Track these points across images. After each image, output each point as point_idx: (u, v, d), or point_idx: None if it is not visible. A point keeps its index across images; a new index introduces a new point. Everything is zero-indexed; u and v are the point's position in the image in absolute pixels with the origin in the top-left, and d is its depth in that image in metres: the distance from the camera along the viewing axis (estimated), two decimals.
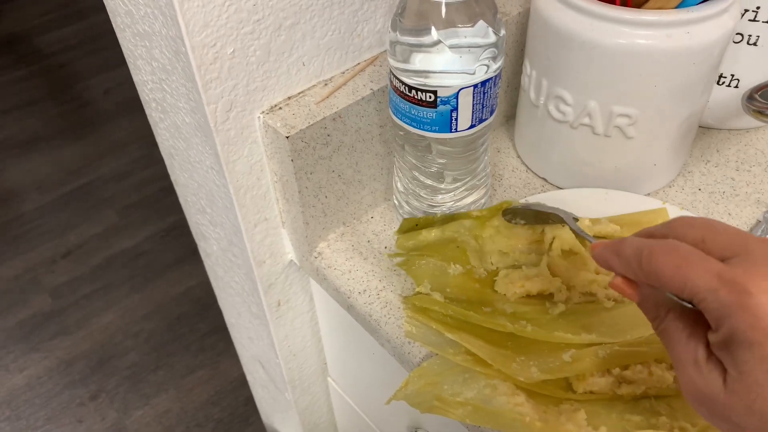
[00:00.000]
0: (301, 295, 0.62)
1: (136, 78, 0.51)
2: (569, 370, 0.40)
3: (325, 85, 0.48)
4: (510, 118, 0.63)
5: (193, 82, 0.41)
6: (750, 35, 0.54)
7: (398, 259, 0.46)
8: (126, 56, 0.50)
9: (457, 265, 0.46)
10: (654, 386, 0.40)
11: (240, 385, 1.39)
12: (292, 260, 0.57)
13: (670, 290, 0.29)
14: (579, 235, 0.42)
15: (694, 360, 0.29)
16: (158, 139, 0.56)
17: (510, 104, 0.62)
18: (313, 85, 0.48)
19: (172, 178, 0.59)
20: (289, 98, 0.47)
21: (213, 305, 1.44)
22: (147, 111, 0.54)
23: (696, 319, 0.30)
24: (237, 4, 0.39)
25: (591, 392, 0.40)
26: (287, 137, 0.44)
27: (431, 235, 0.46)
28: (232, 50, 0.41)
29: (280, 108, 0.46)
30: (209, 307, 1.54)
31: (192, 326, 1.52)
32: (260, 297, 0.58)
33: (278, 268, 0.57)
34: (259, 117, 0.45)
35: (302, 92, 0.47)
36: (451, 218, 0.47)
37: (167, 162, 0.58)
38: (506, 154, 0.61)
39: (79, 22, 2.51)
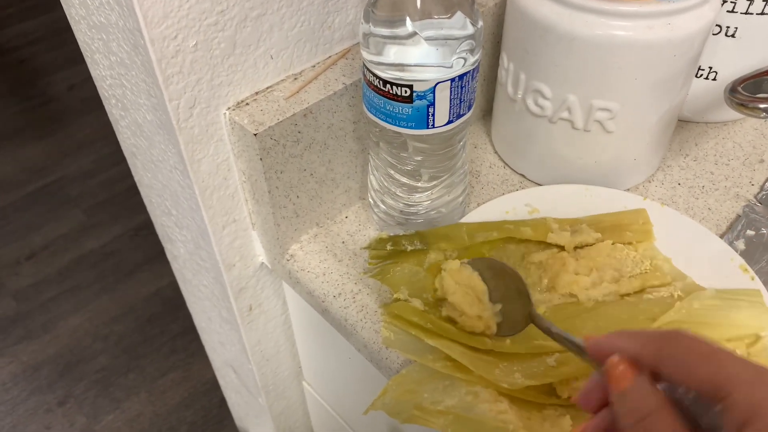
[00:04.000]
0: (273, 298, 0.60)
1: (94, 73, 0.48)
2: (554, 375, 0.38)
3: (295, 79, 0.46)
4: (487, 113, 0.62)
5: (153, 77, 0.39)
6: (728, 27, 0.54)
7: (372, 271, 0.44)
8: (83, 50, 0.47)
9: None
10: None
11: (213, 387, 1.36)
12: (263, 263, 0.55)
13: (690, 377, 0.26)
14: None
15: None
16: (120, 138, 0.53)
17: (487, 99, 0.61)
18: (282, 80, 0.45)
19: (136, 178, 0.56)
20: (256, 93, 0.44)
21: (185, 305, 1.41)
22: (107, 108, 0.51)
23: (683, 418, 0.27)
24: None
25: None
26: (255, 135, 0.42)
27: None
28: (194, 43, 0.38)
29: (248, 104, 0.43)
30: (181, 308, 1.49)
31: (163, 327, 1.48)
32: (230, 301, 0.55)
33: (249, 271, 0.54)
34: (224, 113, 0.43)
35: (270, 87, 0.45)
36: (424, 239, 0.45)
37: (130, 161, 0.55)
38: (483, 150, 0.59)
39: (41, 16, 2.43)
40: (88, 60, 0.48)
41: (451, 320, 0.41)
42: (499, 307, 0.40)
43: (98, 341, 1.45)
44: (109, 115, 0.52)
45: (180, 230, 0.55)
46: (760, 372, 0.25)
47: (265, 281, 0.57)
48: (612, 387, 0.28)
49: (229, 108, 0.43)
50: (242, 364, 0.68)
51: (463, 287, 0.40)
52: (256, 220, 0.50)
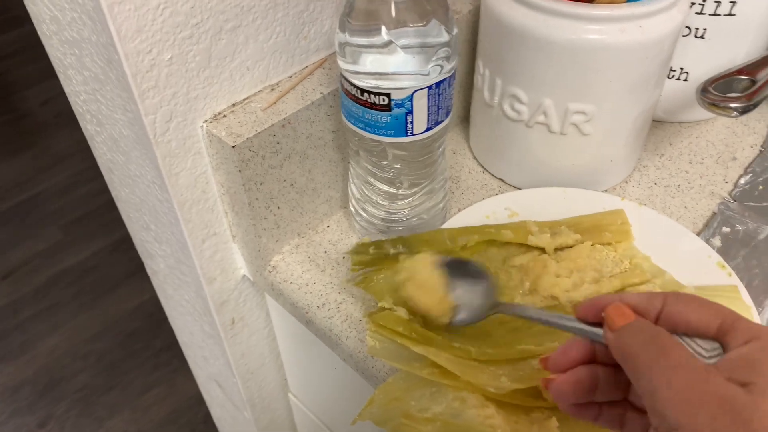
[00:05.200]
0: (256, 311, 0.59)
1: (67, 89, 0.48)
2: (539, 378, 0.38)
3: (272, 90, 0.45)
4: (464, 118, 0.62)
5: (128, 92, 0.38)
6: (697, 28, 0.55)
7: (355, 279, 0.44)
8: (55, 66, 0.47)
9: None
10: None
11: (198, 402, 1.34)
12: (245, 275, 0.54)
13: (694, 318, 0.28)
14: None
15: (705, 368, 0.26)
16: (95, 153, 0.52)
17: (464, 105, 0.61)
18: (259, 91, 0.45)
19: (113, 193, 0.56)
20: (233, 105, 0.44)
21: (167, 320, 1.40)
22: (82, 124, 0.50)
23: None
24: (173, 6, 0.36)
25: None
26: (233, 147, 0.41)
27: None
28: (169, 56, 0.38)
29: (225, 116, 0.43)
30: (163, 323, 1.48)
31: (146, 343, 1.47)
32: (213, 316, 0.55)
33: (230, 284, 0.54)
34: (201, 126, 0.43)
35: (248, 98, 0.45)
36: (406, 243, 0.45)
37: (106, 177, 0.54)
38: (462, 155, 0.59)
39: (14, 30, 2.40)
40: (60, 76, 0.47)
41: (408, 308, 0.41)
42: (454, 295, 0.40)
43: (78, 360, 1.43)
44: (84, 130, 0.51)
45: (159, 245, 0.54)
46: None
47: (247, 294, 0.57)
48: (613, 326, 0.29)
49: (206, 121, 0.43)
50: (227, 378, 0.67)
51: (420, 278, 0.40)
52: (236, 233, 0.50)
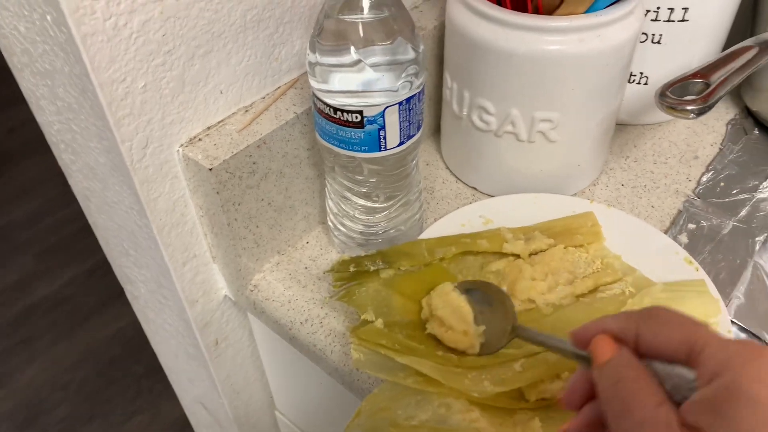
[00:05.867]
0: (239, 330, 0.59)
1: (40, 119, 0.48)
2: (522, 380, 0.39)
3: (246, 111, 0.46)
4: (435, 131, 0.63)
5: (104, 120, 0.39)
6: (654, 34, 0.57)
7: (338, 294, 0.44)
8: (27, 97, 0.47)
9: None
10: None
11: (183, 425, 1.33)
12: (226, 296, 0.55)
13: (667, 343, 0.27)
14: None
15: (666, 422, 0.25)
16: (71, 182, 0.52)
17: (434, 117, 0.62)
18: (234, 113, 0.46)
19: (90, 221, 0.56)
20: (208, 128, 0.45)
21: (147, 345, 1.38)
22: (56, 153, 0.50)
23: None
24: (145, 35, 0.37)
25: (544, 399, 0.40)
26: (210, 169, 0.42)
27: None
28: (143, 84, 0.39)
29: (200, 139, 0.44)
30: (143, 348, 1.46)
31: (126, 369, 1.45)
32: (196, 337, 0.55)
33: (213, 305, 0.54)
34: (178, 150, 0.43)
35: (222, 121, 0.45)
36: (386, 258, 0.46)
37: (83, 204, 0.54)
38: (435, 166, 0.61)
39: None
40: (33, 106, 0.47)
41: (434, 338, 0.42)
42: (482, 328, 0.40)
43: (58, 390, 1.40)
44: (58, 159, 0.51)
45: (139, 270, 0.54)
46: (729, 339, 0.26)
47: (229, 314, 0.57)
48: (596, 363, 0.29)
49: (182, 145, 0.43)
50: (213, 400, 0.67)
51: (450, 307, 0.41)
52: (216, 254, 0.50)
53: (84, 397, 1.39)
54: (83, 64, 0.35)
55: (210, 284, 0.53)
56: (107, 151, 0.42)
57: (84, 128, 0.42)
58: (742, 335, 0.46)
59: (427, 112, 0.61)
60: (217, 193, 0.43)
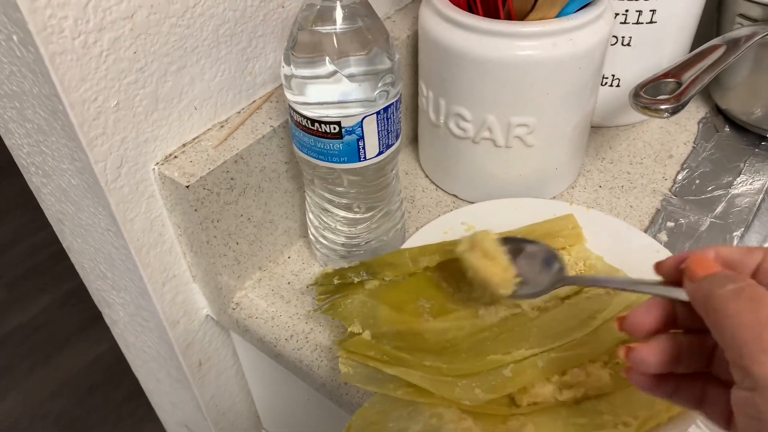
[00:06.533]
0: (222, 349, 0.58)
1: (9, 142, 0.47)
2: (512, 386, 0.39)
3: (222, 127, 0.46)
4: (413, 139, 0.63)
5: (76, 141, 0.38)
6: (623, 36, 0.58)
7: (323, 307, 0.44)
8: None
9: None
10: (593, 386, 0.40)
11: None
12: (208, 315, 0.54)
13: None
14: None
15: None
16: (43, 206, 0.51)
17: (411, 126, 0.62)
18: (209, 129, 0.45)
19: (65, 244, 0.54)
20: (184, 145, 0.44)
21: (127, 370, 1.35)
22: (26, 176, 0.49)
23: None
24: (116, 53, 0.36)
25: (535, 403, 0.40)
26: (187, 186, 0.41)
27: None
28: (116, 102, 0.38)
29: (176, 157, 0.43)
30: (123, 373, 1.43)
31: (106, 396, 1.41)
32: (179, 360, 0.54)
33: (194, 325, 0.53)
34: (153, 169, 0.42)
35: (197, 137, 0.45)
36: (370, 269, 0.46)
37: (56, 228, 0.53)
38: (414, 175, 0.61)
39: None
40: (1, 129, 0.46)
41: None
42: (517, 268, 0.40)
43: (36, 421, 1.36)
44: (29, 183, 0.50)
45: (118, 293, 0.53)
46: None
47: (212, 333, 0.56)
48: (694, 274, 0.27)
49: (157, 163, 0.42)
50: (198, 422, 0.66)
51: (483, 247, 0.41)
52: (196, 273, 0.49)
53: (64, 426, 1.36)
54: (52, 84, 0.35)
55: (191, 304, 0.52)
56: (80, 173, 0.41)
57: (55, 150, 0.41)
58: None
59: (404, 121, 0.61)
60: (195, 210, 0.43)
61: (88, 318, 1.55)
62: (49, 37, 0.33)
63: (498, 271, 0.40)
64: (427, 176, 0.60)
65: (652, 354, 0.28)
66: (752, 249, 0.28)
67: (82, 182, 0.42)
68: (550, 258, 0.41)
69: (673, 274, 0.30)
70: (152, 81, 0.39)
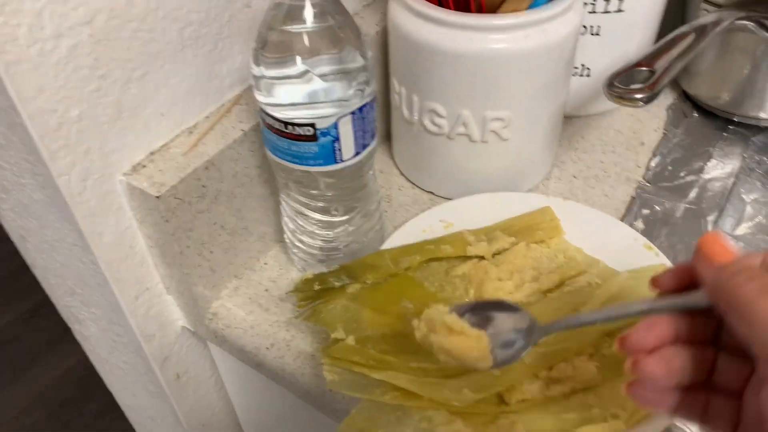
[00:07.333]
0: (200, 361, 0.57)
1: None
2: (500, 384, 0.39)
3: (190, 133, 0.44)
4: (386, 137, 0.62)
5: (36, 155, 0.36)
6: (592, 26, 0.58)
7: (304, 314, 0.43)
8: None
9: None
10: (580, 380, 0.40)
11: None
12: (184, 327, 0.52)
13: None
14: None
15: None
16: (4, 222, 0.49)
17: (384, 124, 0.62)
18: (177, 135, 0.44)
19: (28, 261, 0.52)
20: (152, 153, 0.42)
21: (100, 383, 1.32)
22: None
23: None
24: (75, 60, 0.35)
25: (524, 401, 0.39)
26: (158, 197, 0.40)
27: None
28: (77, 113, 0.36)
29: (144, 166, 0.41)
30: (96, 386, 1.39)
31: (80, 410, 1.38)
32: (156, 374, 0.52)
33: (170, 338, 0.52)
34: (121, 180, 0.41)
35: (166, 145, 0.43)
36: (350, 273, 0.44)
37: (19, 245, 0.51)
38: (390, 173, 0.60)
39: None
40: None
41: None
42: (488, 334, 0.35)
43: None
44: None
45: (88, 308, 0.51)
46: None
47: (189, 345, 0.54)
48: (714, 258, 0.26)
49: (125, 173, 0.41)
50: None
51: (445, 324, 0.36)
52: (170, 284, 0.48)
53: None
54: (8, 95, 0.33)
55: (166, 317, 0.50)
56: (42, 187, 0.39)
57: (14, 164, 0.39)
58: None
59: (377, 119, 0.60)
60: (167, 221, 0.41)
61: (57, 331, 1.50)
62: (2, 46, 0.31)
63: (472, 344, 0.35)
64: (402, 174, 0.60)
65: (658, 367, 0.28)
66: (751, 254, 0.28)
67: (45, 197, 0.40)
68: (515, 311, 0.37)
69: (673, 285, 0.30)
70: (115, 88, 0.38)
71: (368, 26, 0.55)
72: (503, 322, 0.36)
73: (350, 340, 0.40)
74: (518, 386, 0.39)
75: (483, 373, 0.39)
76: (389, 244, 0.49)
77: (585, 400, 0.39)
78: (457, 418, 0.38)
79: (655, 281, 0.31)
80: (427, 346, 0.36)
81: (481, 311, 0.37)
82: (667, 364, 0.28)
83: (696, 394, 0.29)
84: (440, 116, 0.50)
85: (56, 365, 1.46)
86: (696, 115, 0.66)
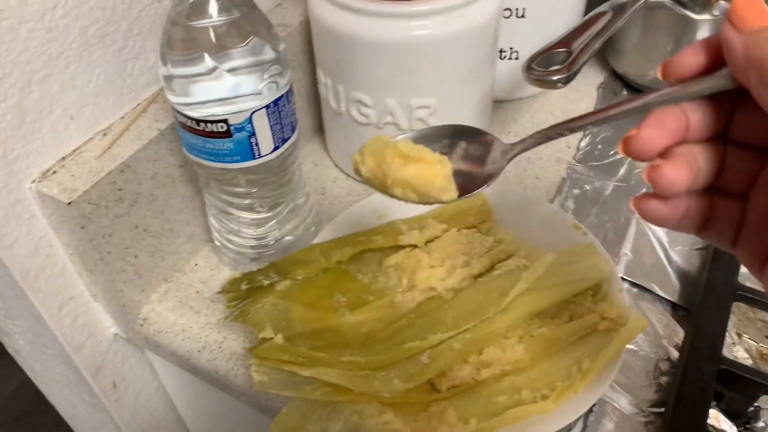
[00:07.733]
0: (138, 367, 0.55)
1: None
2: (430, 372, 0.39)
3: (104, 135, 0.43)
4: (319, 129, 0.62)
5: None
6: (517, 9, 0.58)
7: (232, 315, 0.42)
8: None
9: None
10: (509, 362, 0.40)
11: None
12: (116, 334, 0.51)
13: None
14: None
15: None
16: None
17: (315, 115, 0.61)
18: (90, 138, 0.42)
19: None
20: (63, 159, 0.41)
21: None
22: None
23: None
24: None
25: (455, 386, 0.39)
26: (69, 203, 0.38)
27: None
28: None
29: (55, 172, 0.40)
30: None
31: (35, 423, 1.34)
32: (90, 384, 0.51)
33: (102, 346, 0.50)
34: (30, 187, 0.39)
35: (78, 149, 0.42)
36: (280, 269, 0.44)
37: None
38: (324, 166, 0.59)
39: None
40: None
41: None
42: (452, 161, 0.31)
43: None
44: None
45: (13, 321, 0.49)
46: None
47: (123, 352, 0.53)
48: (746, 22, 0.22)
49: (34, 181, 0.39)
50: None
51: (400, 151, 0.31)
52: (96, 292, 0.46)
53: None
54: None
55: (95, 325, 0.49)
56: None
57: None
58: (634, 290, 0.48)
59: (307, 111, 0.60)
60: (82, 227, 0.40)
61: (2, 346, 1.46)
62: None
63: (435, 171, 0.30)
64: (336, 166, 0.59)
65: (682, 171, 0.24)
66: None
67: None
68: (474, 132, 0.32)
69: (687, 71, 0.24)
70: (14, 93, 0.36)
71: (291, 16, 0.54)
72: (463, 147, 0.31)
73: (279, 339, 0.40)
74: (448, 372, 0.39)
75: (412, 361, 0.39)
76: (321, 238, 0.48)
77: (515, 383, 0.39)
78: (388, 410, 0.38)
79: (665, 68, 0.25)
80: (377, 183, 0.31)
81: (436, 138, 0.31)
82: (689, 167, 0.24)
83: (701, 198, 0.26)
84: (366, 106, 0.50)
85: (8, 379, 1.41)
86: (626, 93, 0.67)
